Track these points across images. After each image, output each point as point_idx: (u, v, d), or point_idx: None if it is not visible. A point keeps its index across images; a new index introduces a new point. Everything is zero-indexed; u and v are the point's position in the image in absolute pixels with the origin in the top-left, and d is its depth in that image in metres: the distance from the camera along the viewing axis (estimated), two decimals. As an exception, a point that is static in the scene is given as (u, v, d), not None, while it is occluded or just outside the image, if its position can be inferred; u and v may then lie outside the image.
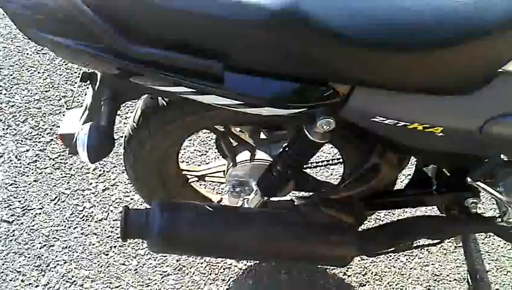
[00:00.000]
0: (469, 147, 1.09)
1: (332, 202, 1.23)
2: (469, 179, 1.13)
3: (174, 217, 1.13)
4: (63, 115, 2.07)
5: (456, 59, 0.91)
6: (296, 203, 1.32)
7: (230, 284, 1.71)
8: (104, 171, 1.95)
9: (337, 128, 1.08)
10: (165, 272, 1.73)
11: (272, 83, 0.97)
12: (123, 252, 1.77)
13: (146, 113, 1.25)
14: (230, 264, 1.75)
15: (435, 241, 1.37)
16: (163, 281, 1.71)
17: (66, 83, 2.18)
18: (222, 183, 1.53)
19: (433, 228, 1.31)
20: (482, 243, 1.83)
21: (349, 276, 1.71)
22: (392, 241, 1.29)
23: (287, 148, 1.21)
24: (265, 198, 1.29)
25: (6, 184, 1.91)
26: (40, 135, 2.03)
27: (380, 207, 1.45)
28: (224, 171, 1.45)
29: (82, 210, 1.86)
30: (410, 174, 1.91)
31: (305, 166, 1.37)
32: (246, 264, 1.75)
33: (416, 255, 1.78)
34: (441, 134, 1.04)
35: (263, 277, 1.73)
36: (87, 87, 1.22)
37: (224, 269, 1.74)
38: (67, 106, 2.12)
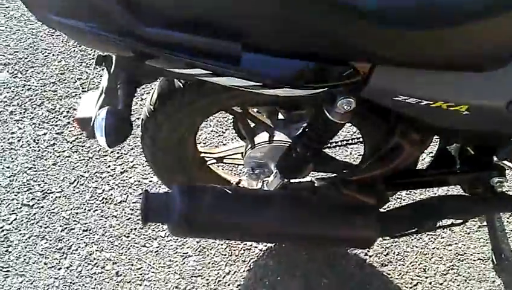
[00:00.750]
0: (496, 125, 1.05)
1: (354, 183, 1.21)
2: (495, 158, 1.10)
3: (194, 201, 1.12)
4: (79, 98, 2.06)
5: (482, 34, 0.87)
6: (316, 184, 1.29)
7: (250, 265, 1.70)
8: (121, 153, 1.95)
9: (358, 108, 1.06)
10: (185, 253, 1.73)
11: (291, 62, 0.95)
12: (143, 235, 1.77)
13: (163, 95, 1.23)
14: (251, 246, 1.74)
15: (459, 221, 1.34)
16: (184, 263, 1.71)
17: (80, 65, 2.17)
18: (240, 165, 1.51)
19: (458, 208, 1.28)
20: (507, 221, 1.80)
21: (370, 256, 1.70)
22: (415, 222, 1.26)
23: (306, 129, 1.18)
24: (285, 180, 1.27)
25: (25, 168, 1.91)
26: (57, 118, 2.03)
27: (402, 187, 1.42)
28: (242, 153, 1.43)
29: (101, 193, 1.86)
30: (432, 153, 1.87)
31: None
32: (266, 246, 1.74)
33: (439, 234, 1.75)
34: (466, 112, 1.00)
35: (284, 257, 1.72)
36: (103, 70, 1.20)
37: (244, 250, 1.73)
38: (83, 88, 2.11)
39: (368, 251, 1.70)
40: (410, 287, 1.64)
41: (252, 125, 1.37)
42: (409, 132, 1.17)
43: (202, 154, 1.50)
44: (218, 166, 1.68)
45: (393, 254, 1.70)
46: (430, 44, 0.90)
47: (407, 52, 0.93)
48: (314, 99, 1.04)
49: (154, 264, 1.71)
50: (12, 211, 1.82)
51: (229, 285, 1.67)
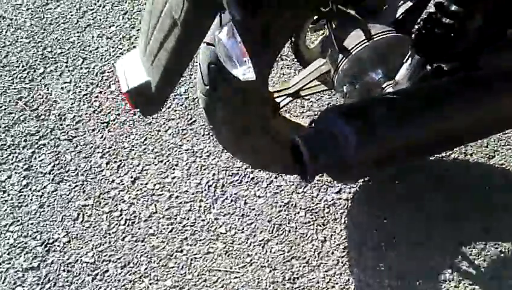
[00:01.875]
0: None
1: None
2: None
3: (366, 121, 0.78)
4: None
5: None
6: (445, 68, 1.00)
7: (344, 220, 1.38)
8: (120, 160, 1.51)
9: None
10: (262, 240, 1.36)
11: None
12: (198, 241, 1.37)
13: None
14: (332, 200, 1.41)
15: None
16: (266, 252, 1.34)
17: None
18: (324, 91, 1.16)
19: None
20: None
21: (471, 155, 1.44)
22: None
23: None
24: (427, 67, 0.96)
25: (5, 225, 1.42)
26: (16, 151, 1.54)
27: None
28: (327, 72, 1.09)
29: (120, 215, 1.43)
30: None
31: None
32: (350, 193, 1.41)
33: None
34: None
35: (376, 199, 1.41)
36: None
37: (325, 208, 1.40)
38: (30, 107, 1.62)
39: (466, 150, 1.44)
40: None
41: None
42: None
43: (275, 95, 1.13)
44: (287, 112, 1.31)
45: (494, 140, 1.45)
46: None
47: None
48: None
49: (232, 268, 1.33)
50: (14, 283, 1.34)
51: (332, 253, 1.33)
